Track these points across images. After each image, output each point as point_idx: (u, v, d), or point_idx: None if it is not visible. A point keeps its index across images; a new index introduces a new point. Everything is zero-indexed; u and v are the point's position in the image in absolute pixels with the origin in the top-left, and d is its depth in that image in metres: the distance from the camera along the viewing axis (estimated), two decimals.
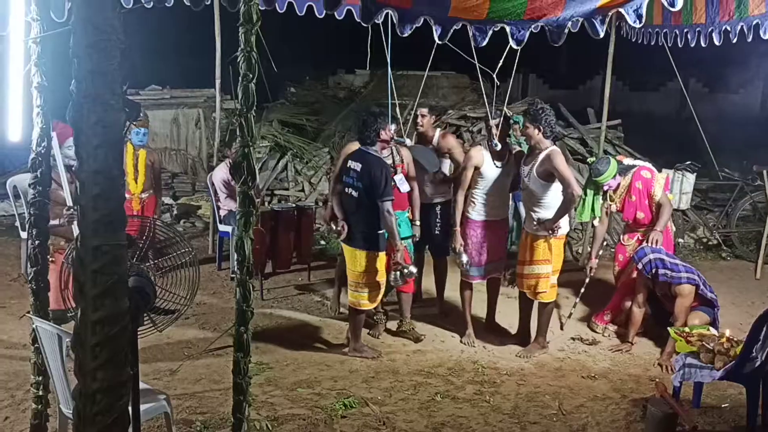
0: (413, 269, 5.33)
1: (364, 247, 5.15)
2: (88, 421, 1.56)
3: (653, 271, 5.34)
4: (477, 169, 5.42)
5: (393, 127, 5.46)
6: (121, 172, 1.59)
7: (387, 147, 5.36)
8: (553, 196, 5.16)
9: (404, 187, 5.50)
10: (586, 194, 5.84)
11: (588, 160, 6.72)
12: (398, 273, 5.23)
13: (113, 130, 1.54)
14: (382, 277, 5.24)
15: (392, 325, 5.85)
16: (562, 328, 5.93)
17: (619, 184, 5.80)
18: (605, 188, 5.80)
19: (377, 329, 5.75)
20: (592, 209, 5.87)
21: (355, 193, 5.13)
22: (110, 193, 1.56)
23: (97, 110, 1.50)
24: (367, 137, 5.17)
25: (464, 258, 5.48)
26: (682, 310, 5.31)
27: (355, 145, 5.54)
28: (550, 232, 5.14)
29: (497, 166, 5.41)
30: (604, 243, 6.23)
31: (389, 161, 5.42)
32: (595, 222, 5.97)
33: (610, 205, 5.91)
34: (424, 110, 6.05)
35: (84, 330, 1.56)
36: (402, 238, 5.28)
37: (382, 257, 5.20)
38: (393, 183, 5.31)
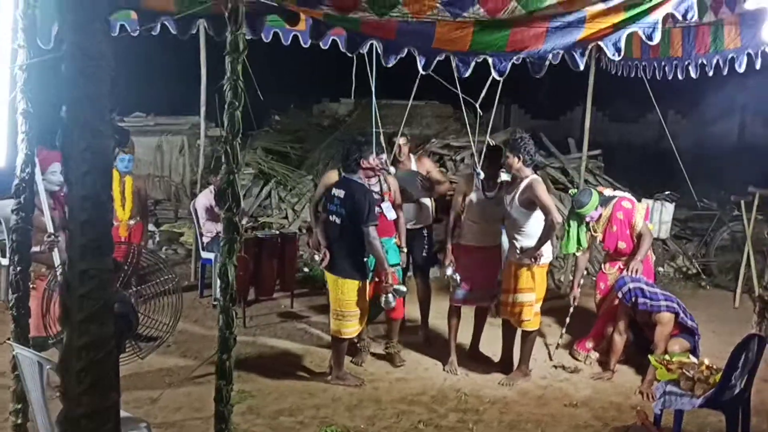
0: (403, 288, 5.33)
1: (347, 275, 5.16)
2: None
3: (633, 299, 5.41)
4: (465, 196, 5.52)
5: (383, 156, 5.52)
6: (109, 198, 1.61)
7: (372, 176, 5.40)
8: (535, 224, 5.22)
9: (391, 215, 5.53)
10: (569, 226, 5.91)
11: (570, 192, 6.81)
12: (389, 295, 5.22)
13: (102, 157, 1.57)
14: (364, 306, 5.24)
15: (378, 348, 5.85)
16: (551, 358, 5.92)
17: (600, 215, 5.88)
18: (587, 219, 5.87)
19: (360, 356, 5.74)
20: (578, 241, 5.94)
21: (338, 220, 5.16)
22: (98, 218, 1.58)
23: (86, 136, 1.52)
24: (348, 165, 5.22)
25: (449, 271, 5.50)
26: (662, 338, 5.36)
27: (334, 174, 5.65)
28: (533, 260, 5.19)
29: (487, 196, 5.49)
30: (585, 272, 6.29)
31: (376, 189, 5.47)
32: (578, 253, 6.04)
33: (594, 236, 5.98)
34: (402, 140, 6.16)
35: (69, 355, 1.56)
36: (390, 265, 5.31)
37: (364, 286, 5.22)
38: (380, 211, 5.36)
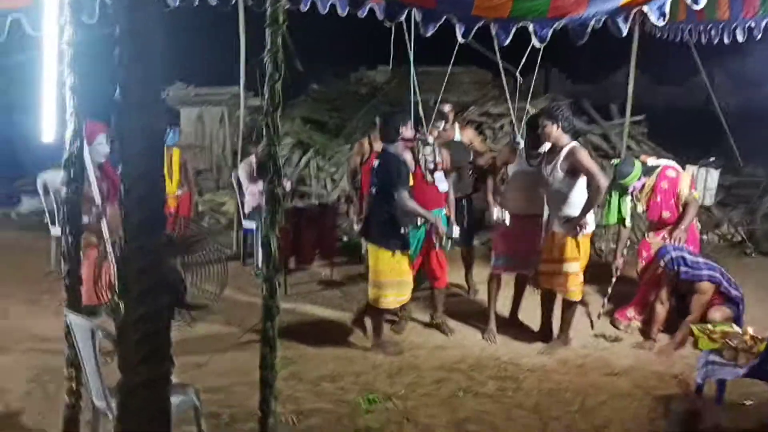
0: (455, 230, 5.34)
1: (383, 245, 5.21)
2: (131, 414, 1.64)
3: (676, 268, 5.36)
4: (507, 164, 5.58)
5: (441, 124, 5.51)
6: (162, 176, 1.66)
7: (411, 146, 5.40)
8: (578, 193, 5.17)
9: (443, 186, 5.53)
10: (611, 197, 5.86)
11: (612, 161, 6.71)
12: (443, 239, 5.26)
13: (156, 136, 1.62)
14: (402, 276, 5.27)
15: (420, 316, 5.92)
16: (593, 327, 5.91)
17: (644, 185, 5.81)
18: (630, 190, 5.81)
19: (400, 325, 5.81)
20: (619, 211, 5.88)
21: (374, 190, 5.23)
22: (152, 196, 1.63)
23: (140, 118, 1.57)
24: (386, 136, 5.24)
25: (496, 213, 5.46)
26: (698, 306, 5.35)
27: (365, 143, 5.99)
28: (578, 229, 5.15)
29: (531, 165, 5.48)
30: (628, 242, 6.23)
31: (431, 159, 5.50)
32: (627, 223, 5.99)
33: (637, 205, 5.92)
34: (448, 106, 6.16)
35: (126, 327, 1.63)
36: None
37: (403, 257, 5.24)
38: (432, 180, 5.42)
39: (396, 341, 5.56)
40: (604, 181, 5.07)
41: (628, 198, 5.90)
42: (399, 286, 5.28)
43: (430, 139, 5.57)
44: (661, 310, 5.57)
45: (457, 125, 6.46)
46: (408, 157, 5.43)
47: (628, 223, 6.00)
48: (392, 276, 5.23)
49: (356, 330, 5.71)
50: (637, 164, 5.76)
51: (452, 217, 5.72)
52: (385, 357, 5.26)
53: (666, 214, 5.79)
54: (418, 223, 5.26)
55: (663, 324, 5.66)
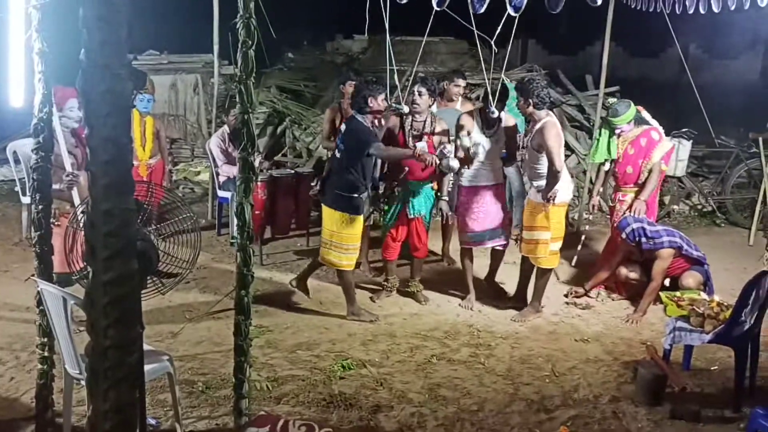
0: (454, 163, 5.19)
1: (338, 208, 5.25)
2: (100, 377, 1.65)
3: (637, 239, 5.51)
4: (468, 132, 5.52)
5: (425, 93, 5.45)
6: (129, 139, 1.65)
7: (380, 117, 5.36)
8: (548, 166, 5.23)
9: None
10: (600, 135, 5.98)
11: (608, 100, 6.76)
12: (443, 161, 5.16)
13: (121, 99, 1.60)
14: (353, 241, 5.32)
15: (401, 286, 5.99)
16: (558, 278, 5.99)
17: (629, 132, 5.87)
18: (617, 131, 5.86)
19: (379, 295, 5.85)
20: (608, 150, 5.97)
21: (338, 154, 5.29)
22: (119, 159, 1.62)
23: (106, 80, 1.55)
24: (356, 104, 5.25)
25: (466, 140, 5.34)
26: (659, 271, 5.51)
27: (335, 109, 6.17)
28: (548, 200, 5.21)
29: (486, 135, 5.46)
30: (600, 202, 6.34)
31: (420, 127, 5.50)
32: (606, 165, 6.12)
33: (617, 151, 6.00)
34: (462, 81, 6.27)
35: (95, 290, 1.63)
36: (418, 212, 5.55)
37: (358, 221, 5.29)
38: (419, 152, 5.34)
39: (370, 309, 5.60)
40: (559, 165, 5.14)
41: (614, 139, 5.96)
42: (353, 250, 5.34)
43: (405, 109, 5.55)
44: (624, 272, 5.78)
45: (460, 99, 6.61)
46: (394, 121, 5.54)
47: (612, 160, 6.08)
48: (344, 239, 5.27)
49: (331, 297, 5.76)
50: (632, 108, 5.82)
51: (443, 194, 5.72)
52: (360, 325, 5.31)
53: (629, 170, 5.86)
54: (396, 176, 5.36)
55: (631, 291, 5.81)
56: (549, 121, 5.19)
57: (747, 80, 15.15)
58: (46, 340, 3.58)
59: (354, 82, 6.14)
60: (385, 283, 5.88)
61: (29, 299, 4.67)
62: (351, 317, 5.40)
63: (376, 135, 5.28)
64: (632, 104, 5.88)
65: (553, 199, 5.20)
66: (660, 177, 5.98)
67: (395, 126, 5.57)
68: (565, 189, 5.30)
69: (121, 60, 1.57)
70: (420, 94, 5.44)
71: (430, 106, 5.59)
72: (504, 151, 5.63)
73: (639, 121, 5.90)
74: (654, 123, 6.11)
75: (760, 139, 7.79)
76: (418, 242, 5.69)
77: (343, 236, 5.26)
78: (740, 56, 16.61)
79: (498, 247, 5.77)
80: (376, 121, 5.35)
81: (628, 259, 5.82)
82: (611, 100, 6.55)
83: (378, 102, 5.22)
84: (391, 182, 5.67)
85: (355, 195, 5.22)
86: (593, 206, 6.21)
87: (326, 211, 5.33)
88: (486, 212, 5.58)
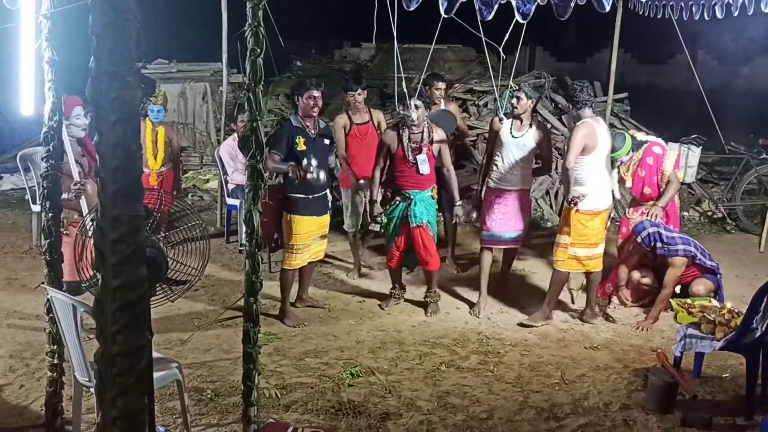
0: (322, 175, 5.25)
1: (284, 208, 5.36)
2: (109, 382, 1.65)
3: (652, 244, 5.48)
4: (497, 134, 5.66)
5: (421, 106, 5.47)
6: (138, 146, 1.66)
7: (313, 114, 5.33)
8: (583, 170, 5.23)
9: (423, 168, 5.45)
10: None
11: None
12: (311, 176, 5.16)
13: (130, 106, 1.61)
14: (296, 241, 5.34)
15: (410, 295, 5.97)
16: (573, 302, 5.98)
17: (630, 158, 5.87)
18: (618, 163, 5.88)
19: (388, 302, 5.83)
20: None
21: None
22: (128, 165, 1.63)
23: (115, 87, 1.56)
24: (292, 105, 5.31)
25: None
26: (672, 279, 5.48)
27: (344, 117, 6.15)
28: (570, 203, 5.25)
29: (513, 136, 5.55)
30: (611, 216, 6.29)
31: (418, 138, 5.46)
32: (615, 193, 6.10)
33: (624, 178, 5.99)
34: (442, 84, 6.25)
35: (104, 296, 1.64)
36: (422, 221, 5.49)
37: (296, 220, 5.31)
38: (414, 162, 5.40)
39: (380, 316, 5.59)
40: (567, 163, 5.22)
41: (615, 171, 5.96)
42: (294, 250, 5.37)
43: (414, 115, 5.53)
44: (637, 277, 5.75)
45: (443, 100, 6.56)
46: (391, 136, 5.51)
47: (617, 193, 6.10)
48: (298, 240, 5.32)
49: (340, 305, 5.76)
50: (628, 139, 5.81)
51: (456, 201, 5.72)
52: (369, 332, 5.30)
53: (647, 190, 5.85)
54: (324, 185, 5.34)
55: (644, 298, 5.78)
56: (574, 127, 5.29)
57: (757, 86, 15.08)
58: (55, 347, 3.60)
59: (359, 89, 6.17)
60: (393, 290, 5.86)
61: (39, 307, 4.70)
62: (280, 316, 5.45)
63: (294, 135, 5.24)
64: (626, 135, 5.89)
65: (574, 203, 5.20)
66: (678, 185, 5.96)
67: (393, 140, 5.52)
68: (594, 196, 5.26)
69: (129, 67, 1.58)
70: (416, 108, 5.44)
71: (425, 118, 5.59)
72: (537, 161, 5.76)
73: (637, 146, 5.88)
74: (651, 138, 6.10)
75: None
76: (425, 254, 5.56)
77: (286, 235, 5.34)
78: (749, 62, 16.57)
79: (511, 246, 5.88)
80: (415, 128, 5.41)
81: (642, 264, 5.79)
82: None
83: (303, 100, 5.25)
84: (386, 191, 5.69)
85: (292, 194, 5.28)
86: None
87: (285, 215, 5.41)
88: (505, 214, 5.65)
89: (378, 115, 6.47)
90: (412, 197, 5.48)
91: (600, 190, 5.29)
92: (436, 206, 5.74)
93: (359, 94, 6.17)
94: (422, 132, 5.49)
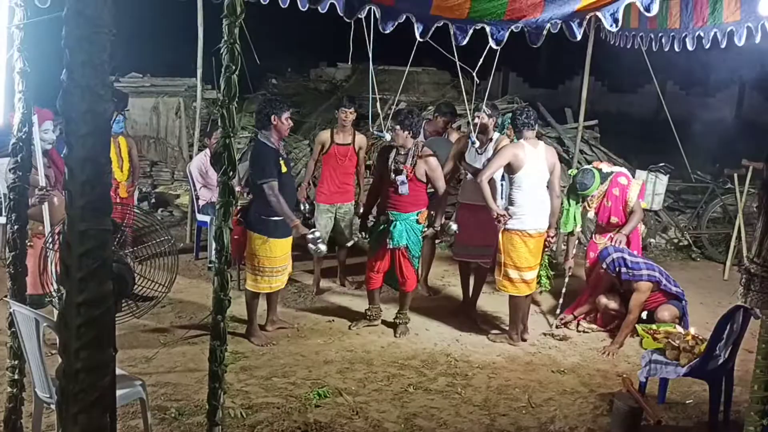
0: (322, 248, 5.31)
1: (255, 230, 5.24)
2: (71, 399, 1.61)
3: (617, 269, 5.56)
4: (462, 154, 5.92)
5: (397, 128, 5.47)
6: (107, 160, 1.64)
7: (282, 136, 5.32)
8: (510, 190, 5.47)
9: (402, 189, 5.44)
10: (569, 205, 6.00)
11: (569, 172, 6.83)
12: (310, 246, 5.23)
13: (101, 119, 1.60)
14: (273, 264, 5.28)
15: (390, 314, 5.94)
16: (550, 326, 6.00)
17: (598, 190, 5.96)
18: (588, 199, 5.97)
19: (358, 323, 5.81)
20: (575, 220, 6.04)
21: (250, 179, 5.31)
22: (97, 179, 1.61)
23: (87, 100, 1.55)
24: (258, 121, 5.28)
25: (454, 226, 5.70)
26: (637, 304, 5.56)
27: (326, 134, 6.20)
28: (498, 221, 5.40)
29: (478, 152, 5.80)
30: (577, 242, 6.36)
31: (402, 160, 5.47)
32: (577, 229, 6.15)
33: (588, 209, 6.07)
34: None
35: (69, 311, 1.61)
36: (409, 249, 5.52)
37: (275, 244, 5.23)
38: (393, 180, 5.41)
39: (349, 336, 5.57)
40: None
41: (580, 206, 6.05)
42: (269, 274, 5.31)
43: (387, 136, 5.59)
44: (604, 305, 5.81)
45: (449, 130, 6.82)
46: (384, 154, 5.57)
47: (578, 228, 6.17)
48: (261, 262, 5.25)
49: (309, 324, 5.72)
50: (597, 175, 5.87)
51: (436, 224, 5.72)
52: (338, 352, 5.27)
53: (614, 219, 5.97)
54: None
55: (611, 323, 5.84)
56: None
57: (723, 117, 15.45)
58: (16, 362, 3.51)
59: (352, 109, 6.20)
60: (367, 311, 5.84)
61: (1, 320, 4.59)
62: (248, 335, 5.41)
63: (277, 157, 5.16)
64: (594, 171, 5.95)
65: (502, 221, 5.36)
66: (641, 214, 6.07)
67: (384, 158, 5.59)
68: (524, 217, 5.35)
69: (102, 81, 1.57)
70: (393, 129, 5.50)
71: (414, 137, 5.59)
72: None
73: (603, 177, 5.96)
74: (616, 168, 6.20)
75: (735, 175, 7.95)
76: (400, 275, 5.59)
77: (259, 258, 5.24)
78: (716, 93, 16.98)
79: (483, 264, 5.97)
80: (401, 150, 5.44)
81: (610, 290, 5.87)
82: (572, 171, 6.59)
83: (281, 120, 5.17)
84: (371, 211, 5.77)
85: (267, 217, 5.16)
86: (569, 267, 6.12)
87: (248, 233, 5.30)
88: (478, 229, 5.78)
89: (361, 140, 6.48)
90: (393, 219, 5.49)
91: (530, 212, 5.36)
92: (423, 231, 5.67)
93: (351, 113, 6.24)
94: (407, 154, 5.50)
